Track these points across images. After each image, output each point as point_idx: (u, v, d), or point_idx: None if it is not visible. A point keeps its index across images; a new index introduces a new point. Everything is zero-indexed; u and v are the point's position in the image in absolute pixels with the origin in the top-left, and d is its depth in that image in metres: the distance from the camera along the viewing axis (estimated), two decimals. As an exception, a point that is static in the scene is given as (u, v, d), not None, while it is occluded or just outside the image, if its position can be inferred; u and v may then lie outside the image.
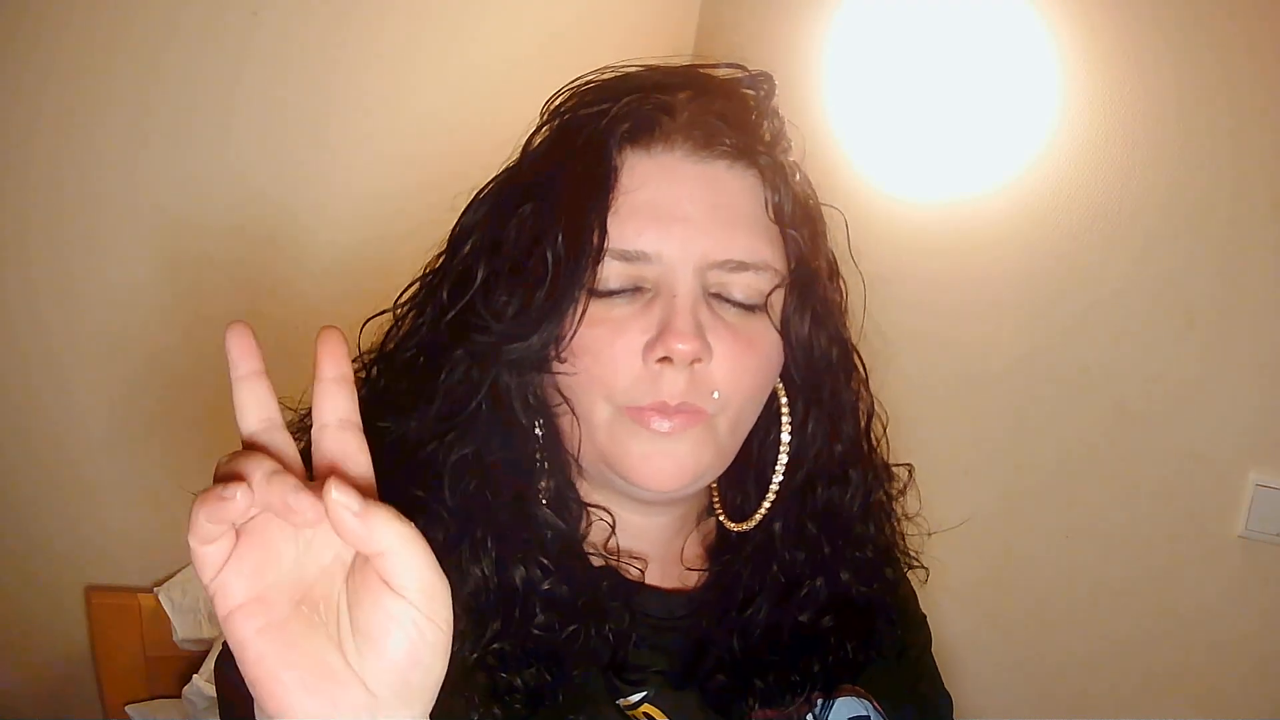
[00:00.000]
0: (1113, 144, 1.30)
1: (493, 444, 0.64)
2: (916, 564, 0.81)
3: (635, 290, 0.62)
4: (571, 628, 0.63)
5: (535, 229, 0.62)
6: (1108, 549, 1.36)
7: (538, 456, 0.66)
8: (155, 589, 1.62)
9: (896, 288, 1.39)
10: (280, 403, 0.47)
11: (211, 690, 1.52)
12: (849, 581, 0.72)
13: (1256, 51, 1.20)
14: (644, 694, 0.65)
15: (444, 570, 0.47)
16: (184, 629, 1.59)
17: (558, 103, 0.67)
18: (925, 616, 0.84)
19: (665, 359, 0.60)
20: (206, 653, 1.60)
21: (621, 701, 0.64)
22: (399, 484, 0.60)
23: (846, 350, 0.72)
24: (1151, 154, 1.28)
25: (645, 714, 0.65)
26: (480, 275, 0.63)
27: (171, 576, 1.65)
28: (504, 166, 0.69)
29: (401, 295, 0.70)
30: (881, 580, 0.75)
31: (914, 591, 0.83)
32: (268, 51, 1.57)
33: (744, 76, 0.68)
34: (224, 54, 1.53)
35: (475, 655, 0.60)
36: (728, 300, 0.63)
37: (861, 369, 0.74)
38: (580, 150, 0.62)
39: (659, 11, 1.94)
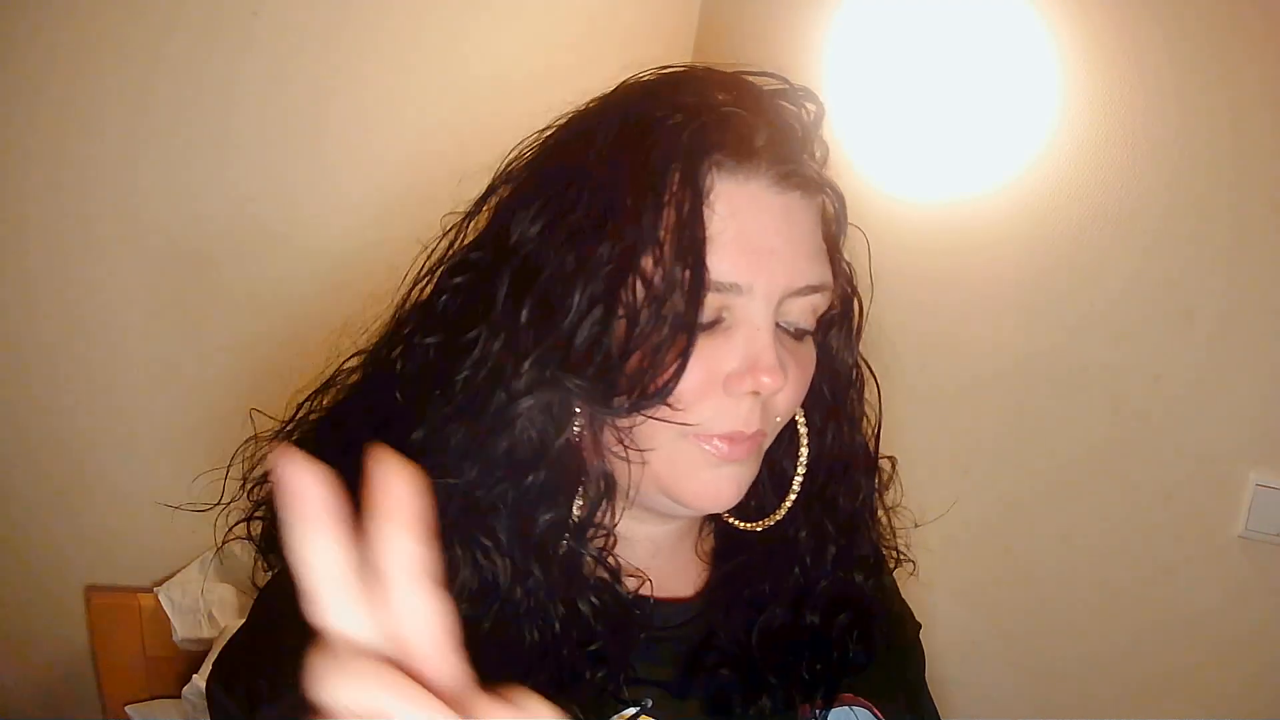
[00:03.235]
0: (1113, 144, 1.30)
1: (551, 488, 0.61)
2: (905, 557, 0.81)
3: (717, 321, 0.61)
4: (601, 671, 0.62)
5: (630, 256, 0.57)
6: (1108, 549, 1.36)
7: (584, 499, 0.62)
8: (155, 589, 1.62)
9: (896, 288, 1.38)
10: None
11: (211, 690, 1.52)
12: (860, 582, 0.73)
13: (1257, 51, 1.20)
14: (639, 708, 0.64)
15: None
16: (184, 629, 1.59)
17: (622, 103, 0.63)
18: (908, 606, 0.84)
19: (753, 392, 0.60)
20: (206, 653, 1.60)
21: (616, 718, 0.63)
22: (458, 530, 0.59)
23: (857, 361, 0.73)
24: (1152, 154, 1.28)
25: None
26: (574, 307, 0.57)
27: (171, 576, 1.65)
28: (536, 159, 0.65)
29: (443, 297, 0.63)
30: (877, 577, 0.76)
31: (895, 584, 0.84)
32: (267, 52, 1.57)
33: (788, 90, 0.66)
34: (223, 54, 1.53)
35: None
36: (786, 328, 0.63)
37: (874, 378, 0.75)
38: (662, 166, 0.58)
39: (659, 11, 1.94)
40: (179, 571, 1.66)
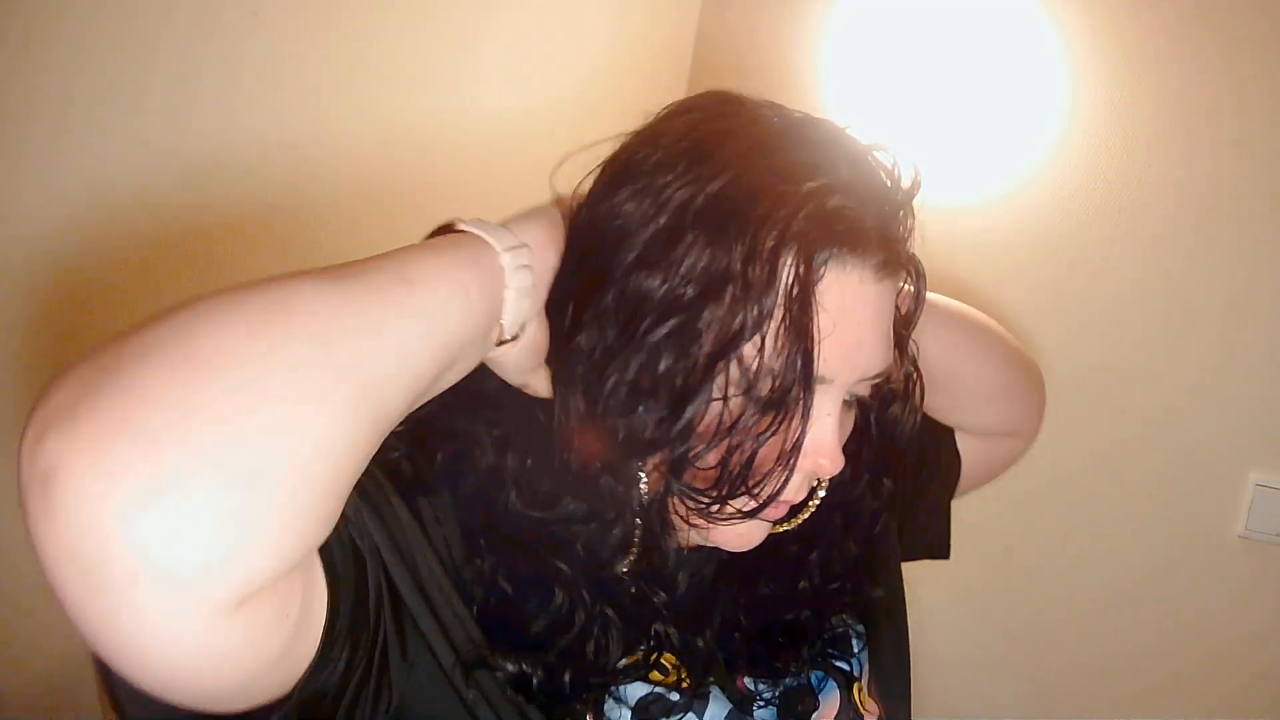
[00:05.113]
0: (1113, 144, 1.30)
1: (621, 538, 0.63)
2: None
3: None
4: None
5: (735, 340, 0.54)
6: (1108, 549, 1.36)
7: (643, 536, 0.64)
8: (155, 589, 1.62)
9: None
10: None
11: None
12: (869, 593, 0.76)
13: (1260, 51, 1.20)
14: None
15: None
16: (184, 629, 1.59)
17: (729, 149, 0.57)
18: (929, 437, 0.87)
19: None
20: (207, 653, 1.60)
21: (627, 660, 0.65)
22: (533, 555, 0.61)
23: (917, 425, 0.72)
24: (1153, 154, 1.28)
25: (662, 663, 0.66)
26: (666, 386, 0.55)
27: (171, 577, 1.65)
28: (620, 183, 0.58)
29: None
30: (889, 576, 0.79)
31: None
32: (267, 50, 1.57)
33: (888, 152, 0.65)
34: (224, 52, 1.53)
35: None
36: (846, 398, 0.62)
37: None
38: (776, 247, 0.54)
39: (659, 11, 1.93)
40: (179, 572, 1.65)
